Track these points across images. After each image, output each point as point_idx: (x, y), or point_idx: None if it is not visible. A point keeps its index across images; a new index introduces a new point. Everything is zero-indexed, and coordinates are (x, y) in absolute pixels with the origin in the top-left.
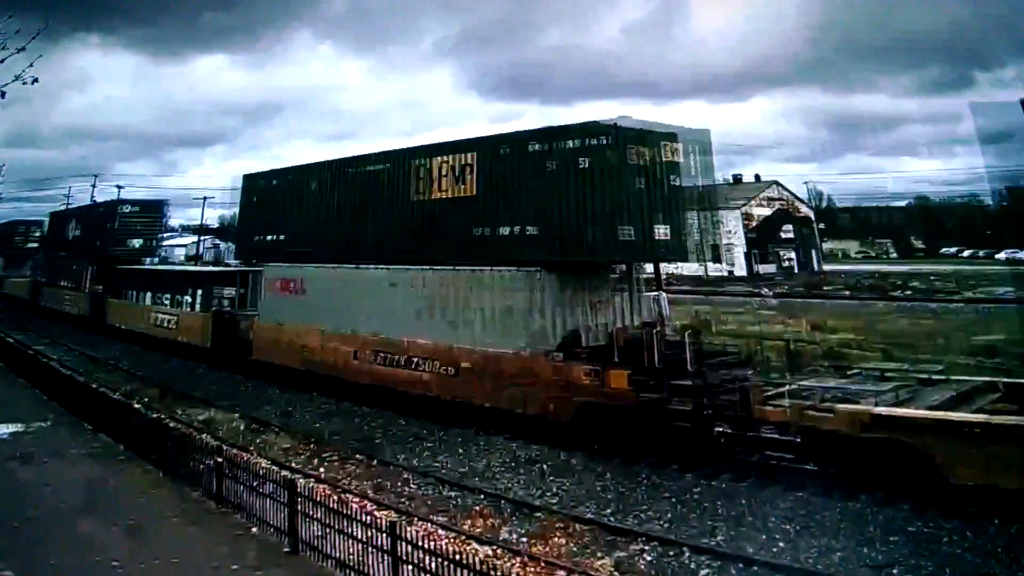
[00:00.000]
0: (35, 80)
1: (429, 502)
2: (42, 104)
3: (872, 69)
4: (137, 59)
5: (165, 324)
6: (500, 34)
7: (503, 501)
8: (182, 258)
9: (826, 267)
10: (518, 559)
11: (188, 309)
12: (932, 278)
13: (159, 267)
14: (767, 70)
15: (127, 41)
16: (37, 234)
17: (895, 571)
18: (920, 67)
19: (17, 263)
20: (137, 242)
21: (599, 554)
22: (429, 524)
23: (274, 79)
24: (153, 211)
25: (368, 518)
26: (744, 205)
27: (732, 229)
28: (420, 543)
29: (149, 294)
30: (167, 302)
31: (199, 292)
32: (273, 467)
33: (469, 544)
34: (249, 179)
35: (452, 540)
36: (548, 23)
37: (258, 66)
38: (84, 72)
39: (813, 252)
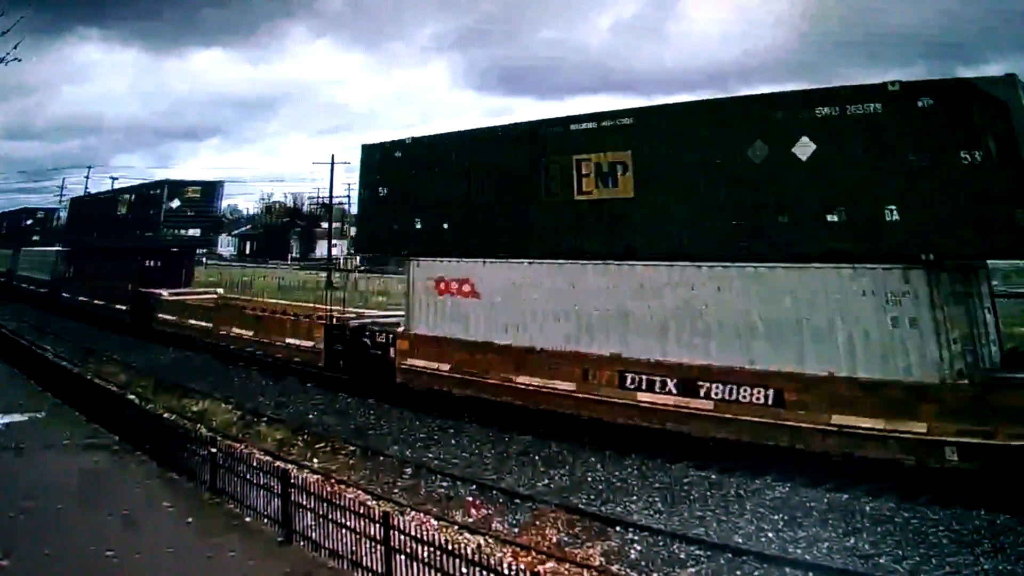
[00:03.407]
0: (18, 60)
1: (421, 492)
2: (38, 96)
3: (858, 65)
4: (135, 53)
5: None
6: (496, 30)
7: (494, 491)
8: None
9: None
10: (509, 548)
11: None
12: None
13: None
14: (754, 66)
15: (126, 36)
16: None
17: (882, 560)
18: (905, 65)
19: None
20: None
21: (588, 543)
22: (422, 514)
23: (271, 73)
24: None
25: (361, 508)
26: None
27: None
28: (413, 533)
29: None
30: None
31: None
32: (266, 458)
33: (461, 534)
34: (370, 151)
35: (444, 530)
36: (543, 20)
37: (255, 60)
38: (82, 66)
39: None
